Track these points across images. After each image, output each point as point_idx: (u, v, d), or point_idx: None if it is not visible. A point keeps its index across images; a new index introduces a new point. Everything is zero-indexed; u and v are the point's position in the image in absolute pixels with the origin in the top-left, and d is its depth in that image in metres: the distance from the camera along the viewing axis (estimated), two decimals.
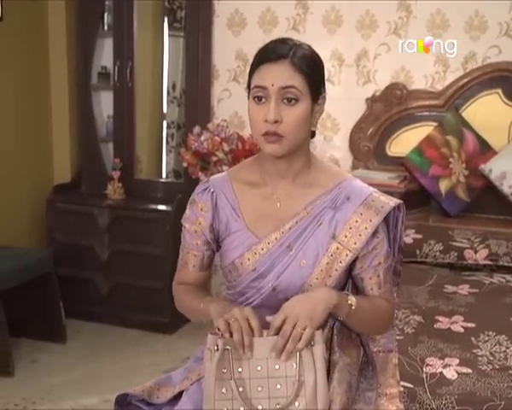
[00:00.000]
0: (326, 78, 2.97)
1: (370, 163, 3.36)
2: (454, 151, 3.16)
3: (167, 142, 4.27)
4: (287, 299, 1.32)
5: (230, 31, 3.63)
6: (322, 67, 1.42)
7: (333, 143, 3.52)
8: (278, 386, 1.25)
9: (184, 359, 3.16)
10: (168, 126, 4.25)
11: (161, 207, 3.49)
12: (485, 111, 3.20)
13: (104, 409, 2.67)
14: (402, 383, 1.50)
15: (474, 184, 3.15)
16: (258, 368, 1.26)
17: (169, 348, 3.32)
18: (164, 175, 4.26)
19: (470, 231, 2.85)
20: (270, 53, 1.36)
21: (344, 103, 3.46)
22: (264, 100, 1.35)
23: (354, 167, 3.40)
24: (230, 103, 3.70)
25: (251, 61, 3.98)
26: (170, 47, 4.14)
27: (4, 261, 3.07)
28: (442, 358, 1.81)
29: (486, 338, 1.98)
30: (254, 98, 1.36)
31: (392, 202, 1.40)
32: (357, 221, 1.38)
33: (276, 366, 1.26)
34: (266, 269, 1.40)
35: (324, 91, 1.41)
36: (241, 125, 3.63)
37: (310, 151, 1.45)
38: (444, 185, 3.15)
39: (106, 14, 3.80)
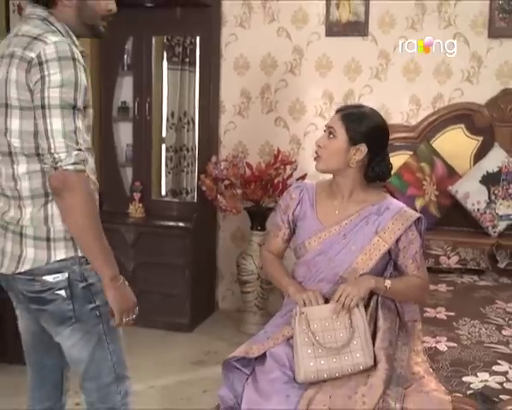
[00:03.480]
0: (319, 113, 3.85)
1: None
2: (427, 175, 3.83)
3: (166, 164, 4.80)
4: (340, 274, 2.05)
5: (236, 72, 4.25)
6: (369, 128, 2.08)
7: None
8: (341, 334, 1.94)
9: (205, 352, 3.74)
10: (167, 150, 4.77)
11: (181, 224, 4.05)
12: (451, 142, 3.87)
13: (152, 394, 3.23)
14: None
15: (443, 202, 3.81)
16: (327, 324, 1.94)
17: (190, 343, 3.88)
18: (163, 194, 4.79)
19: (443, 241, 3.52)
20: (340, 108, 2.18)
21: None
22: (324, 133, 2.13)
23: None
24: (235, 134, 4.30)
25: (254, 98, 4.66)
26: (168, 79, 4.68)
27: None
28: (434, 336, 2.43)
29: (464, 323, 2.61)
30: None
31: (417, 214, 2.12)
32: (393, 224, 2.07)
33: (338, 323, 1.94)
34: (326, 250, 2.08)
35: (364, 145, 2.06)
36: (246, 153, 4.23)
37: (358, 180, 2.12)
38: (419, 203, 3.79)
39: (125, 56, 4.36)
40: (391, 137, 3.91)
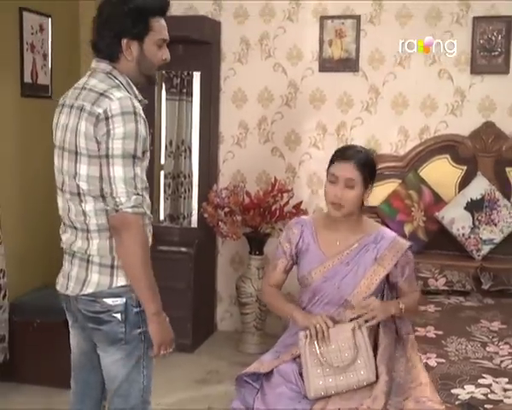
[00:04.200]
0: (313, 144, 4.11)
1: None
2: (415, 202, 4.07)
3: (164, 190, 5.00)
4: (345, 297, 2.25)
5: (234, 104, 4.48)
6: (374, 168, 2.34)
7: (318, 196, 4.36)
8: (346, 354, 2.15)
9: (207, 371, 3.94)
10: (165, 177, 4.96)
11: (183, 249, 4.26)
12: (437, 171, 4.12)
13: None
14: None
15: (430, 227, 4.05)
16: (333, 346, 2.15)
17: (193, 363, 4.06)
18: (161, 219, 4.99)
19: (430, 264, 3.75)
20: (343, 155, 2.28)
21: (327, 164, 4.33)
22: (335, 183, 2.25)
23: None
24: (233, 163, 4.53)
25: (251, 129, 4.90)
26: (167, 109, 4.88)
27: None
28: (425, 353, 2.65)
29: (451, 341, 2.84)
30: (330, 180, 2.28)
31: (407, 243, 2.37)
32: (389, 251, 2.30)
33: (343, 344, 2.15)
34: (332, 277, 2.29)
35: (372, 183, 2.31)
36: (244, 182, 4.45)
37: (357, 212, 2.33)
38: (407, 229, 4.03)
39: None
40: (381, 166, 4.26)
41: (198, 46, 4.31)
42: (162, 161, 4.87)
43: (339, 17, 4.25)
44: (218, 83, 4.46)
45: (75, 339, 2.16)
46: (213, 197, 4.03)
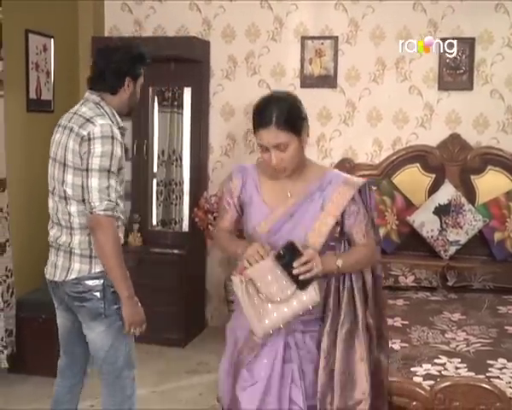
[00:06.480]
0: None
1: None
2: (388, 207, 4.43)
3: (157, 197, 5.31)
4: None
5: (222, 117, 4.84)
6: (299, 110, 2.08)
7: None
8: (284, 282, 2.00)
9: (198, 362, 4.28)
10: (157, 184, 5.26)
11: (176, 251, 4.60)
12: (408, 179, 4.48)
13: (154, 397, 3.75)
14: None
15: (402, 230, 4.40)
16: (269, 277, 2.00)
17: (184, 356, 4.41)
18: (154, 224, 5.30)
19: (401, 263, 4.10)
20: (262, 121, 2.03)
21: None
22: (267, 151, 2.05)
23: None
24: (222, 171, 4.84)
25: (238, 140, 5.29)
26: (159, 121, 5.18)
27: None
28: (390, 339, 3.01)
29: (415, 329, 3.20)
30: (260, 148, 2.08)
31: (360, 180, 2.14)
32: (337, 196, 2.08)
33: (278, 271, 1.99)
34: (277, 230, 2.10)
35: (306, 123, 2.08)
36: None
37: (301, 156, 2.11)
38: (382, 231, 4.32)
39: None
40: (357, 174, 4.63)
41: (189, 64, 4.66)
42: (155, 170, 5.16)
43: (318, 38, 4.62)
44: (207, 97, 4.81)
45: (60, 319, 2.63)
46: (203, 203, 4.38)
